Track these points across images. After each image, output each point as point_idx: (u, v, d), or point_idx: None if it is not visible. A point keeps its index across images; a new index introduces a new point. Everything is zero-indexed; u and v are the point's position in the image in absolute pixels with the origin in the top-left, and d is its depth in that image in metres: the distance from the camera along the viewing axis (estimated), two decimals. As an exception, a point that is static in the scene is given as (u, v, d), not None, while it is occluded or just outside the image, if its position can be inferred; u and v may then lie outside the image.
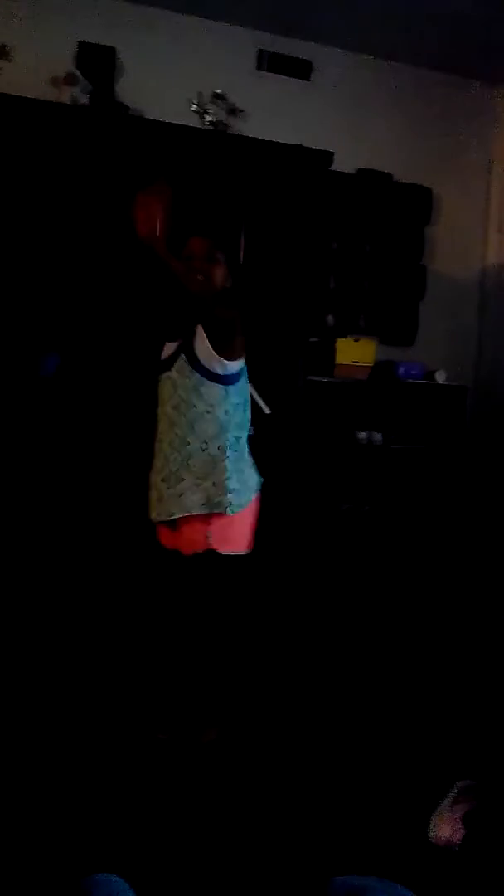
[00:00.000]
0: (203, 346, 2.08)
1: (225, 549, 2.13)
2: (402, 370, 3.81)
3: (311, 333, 3.47)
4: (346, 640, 3.07)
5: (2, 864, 1.68)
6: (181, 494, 2.10)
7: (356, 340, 3.79)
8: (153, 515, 2.17)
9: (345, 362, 3.72)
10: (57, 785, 2.00)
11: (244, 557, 2.20)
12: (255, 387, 2.36)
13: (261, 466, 2.27)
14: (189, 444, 2.11)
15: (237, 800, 2.00)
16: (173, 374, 2.11)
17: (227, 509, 2.10)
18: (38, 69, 3.33)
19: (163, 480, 2.12)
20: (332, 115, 3.90)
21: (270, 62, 3.80)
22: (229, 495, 2.12)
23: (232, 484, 2.13)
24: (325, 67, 3.90)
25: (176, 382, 2.11)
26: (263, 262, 3.30)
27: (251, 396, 2.28)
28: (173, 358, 2.12)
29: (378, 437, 3.77)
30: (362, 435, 3.74)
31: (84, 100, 3.31)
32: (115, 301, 3.09)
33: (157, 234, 1.89)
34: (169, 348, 2.16)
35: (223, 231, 3.06)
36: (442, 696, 2.63)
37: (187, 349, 2.11)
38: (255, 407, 2.34)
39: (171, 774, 2.08)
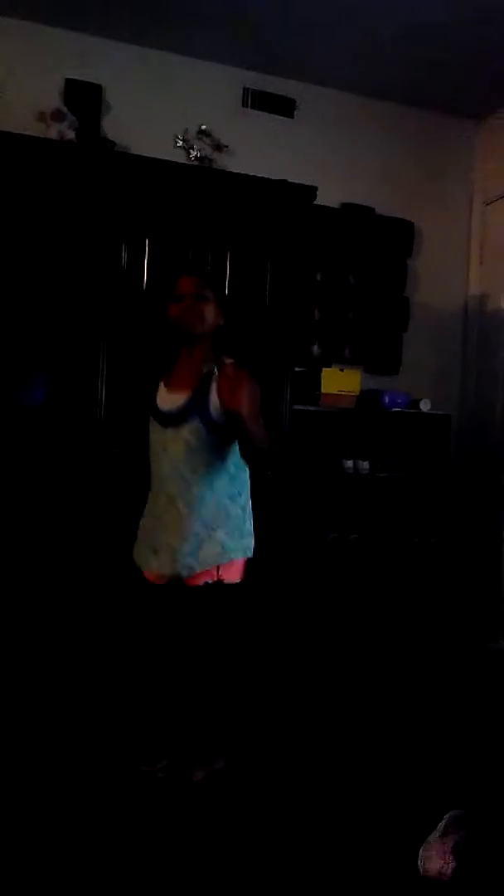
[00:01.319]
0: (216, 404, 2.05)
1: (228, 580, 2.15)
2: (387, 399, 3.84)
3: (296, 363, 3.49)
4: (335, 669, 3.05)
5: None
6: (201, 549, 2.09)
7: (341, 370, 3.83)
8: (165, 572, 2.11)
9: (330, 391, 3.75)
10: (57, 806, 1.96)
11: (237, 586, 2.21)
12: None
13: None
14: (208, 501, 2.09)
15: (228, 830, 1.97)
16: (186, 435, 2.05)
17: (248, 552, 2.19)
18: (26, 105, 3.40)
19: (183, 539, 2.06)
20: (316, 150, 3.98)
21: (255, 99, 3.89)
22: (247, 539, 2.20)
23: (249, 527, 2.21)
24: (308, 105, 4.00)
25: (191, 444, 2.05)
26: (249, 294, 3.34)
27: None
28: (183, 417, 2.06)
29: (365, 465, 3.78)
30: (348, 463, 3.75)
31: (71, 135, 3.36)
32: (100, 334, 3.11)
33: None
34: (172, 401, 2.09)
35: (211, 268, 3.11)
36: (431, 726, 2.61)
37: (201, 409, 2.06)
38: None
39: (167, 803, 2.05)
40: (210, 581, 2.11)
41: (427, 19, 3.28)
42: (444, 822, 1.91)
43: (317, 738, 2.51)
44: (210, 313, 2.13)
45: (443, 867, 1.78)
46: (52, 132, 3.34)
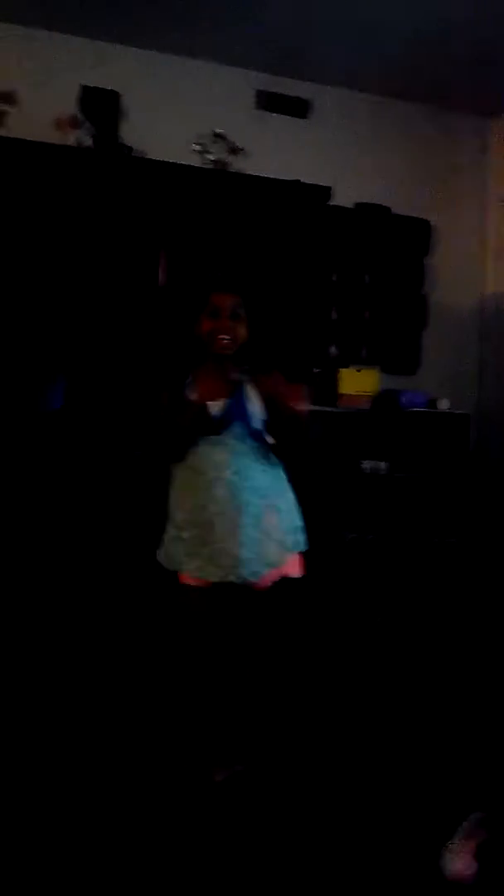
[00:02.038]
0: (255, 408, 2.10)
1: (292, 574, 2.23)
2: (404, 399, 3.84)
3: (313, 364, 3.50)
4: (352, 671, 3.06)
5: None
6: (263, 552, 2.12)
7: (359, 370, 3.83)
8: (232, 579, 2.10)
9: (348, 392, 3.75)
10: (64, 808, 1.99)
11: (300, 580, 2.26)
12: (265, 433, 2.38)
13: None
14: (258, 505, 2.11)
15: (246, 830, 1.99)
16: (231, 442, 2.08)
17: (302, 546, 2.25)
18: (43, 113, 3.43)
19: (241, 545, 2.08)
20: (330, 151, 3.99)
21: (269, 102, 3.89)
22: (299, 534, 2.24)
23: (298, 521, 2.25)
24: (323, 106, 4.00)
25: (235, 449, 2.08)
26: (266, 296, 3.35)
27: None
28: (225, 423, 2.08)
29: (383, 465, 3.78)
30: (366, 464, 3.75)
31: (88, 142, 3.39)
32: (122, 336, 3.14)
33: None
34: (210, 408, 2.09)
35: (245, 283, 3.11)
36: (453, 727, 2.61)
37: (241, 413, 2.09)
38: None
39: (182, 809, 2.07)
40: (275, 581, 2.16)
41: (440, 18, 3.27)
42: (467, 824, 1.91)
43: (337, 740, 2.52)
44: (243, 332, 2.13)
45: (466, 869, 1.78)
46: (70, 139, 3.37)
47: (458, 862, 1.78)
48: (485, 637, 3.41)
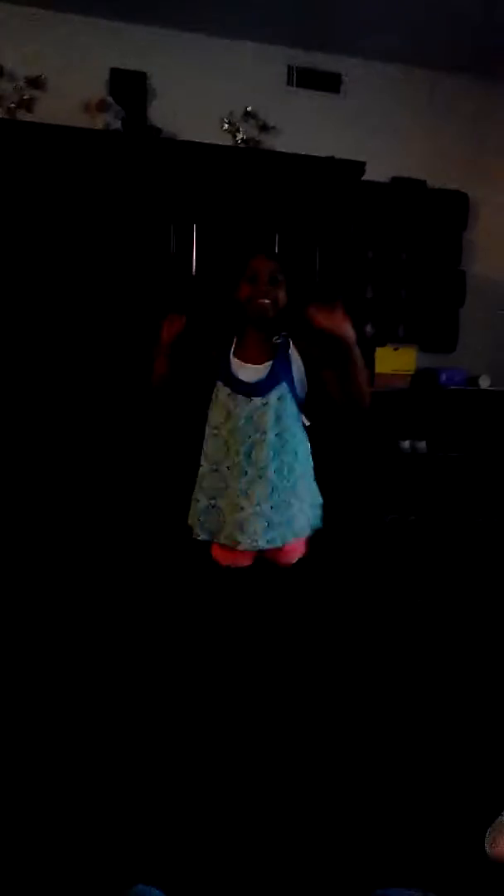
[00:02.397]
0: (300, 371, 2.15)
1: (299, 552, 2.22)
2: (444, 377, 3.76)
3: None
4: (395, 652, 3.02)
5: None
6: (292, 519, 2.14)
7: (396, 349, 3.76)
8: (259, 543, 2.10)
9: (385, 371, 3.69)
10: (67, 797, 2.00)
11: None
12: (308, 398, 2.36)
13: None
14: (295, 470, 2.14)
15: (281, 806, 1.97)
16: (275, 402, 2.09)
17: (320, 522, 2.26)
18: (71, 97, 3.43)
19: (272, 508, 2.09)
20: (363, 125, 3.90)
21: (300, 77, 3.82)
22: (320, 510, 2.27)
23: (319, 499, 2.27)
24: (354, 79, 3.91)
25: (278, 410, 2.10)
26: (300, 275, 3.30)
27: None
28: (270, 384, 2.10)
29: (422, 445, 3.71)
30: (405, 444, 3.69)
31: (117, 125, 3.37)
32: (149, 320, 3.12)
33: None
34: (254, 371, 2.12)
35: (284, 250, 3.09)
36: (499, 708, 2.56)
37: (286, 376, 2.12)
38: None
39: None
40: (301, 556, 2.19)
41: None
42: (511, 804, 1.87)
43: (384, 718, 2.49)
44: (283, 297, 2.15)
45: (511, 850, 1.75)
46: (99, 122, 3.36)
47: (503, 842, 1.74)
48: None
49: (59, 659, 2.82)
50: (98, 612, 2.99)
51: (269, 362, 2.14)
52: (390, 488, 3.64)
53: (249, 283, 2.11)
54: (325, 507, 2.29)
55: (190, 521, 2.22)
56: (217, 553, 2.19)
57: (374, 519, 3.56)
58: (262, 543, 2.10)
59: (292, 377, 2.15)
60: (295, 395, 2.15)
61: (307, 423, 2.44)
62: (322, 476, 2.31)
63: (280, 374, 2.12)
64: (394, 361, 3.73)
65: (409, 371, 3.74)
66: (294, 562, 2.20)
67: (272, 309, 2.12)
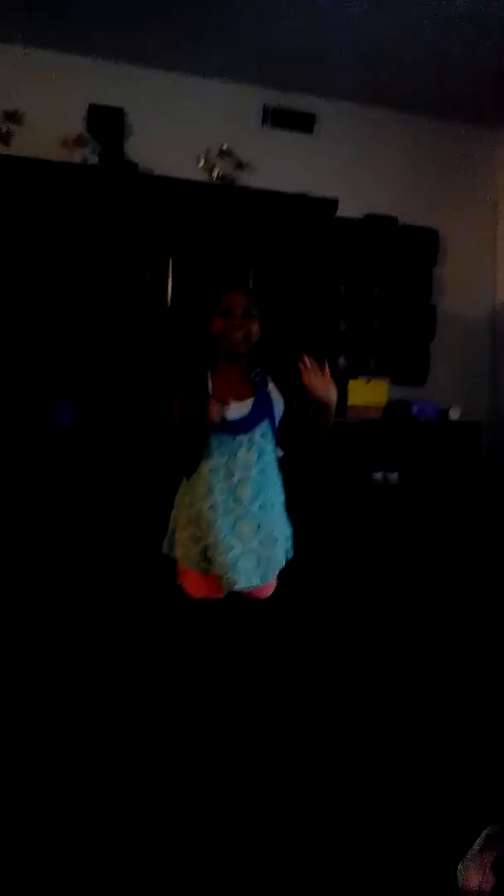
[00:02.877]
0: (279, 408, 2.18)
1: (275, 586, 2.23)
2: (415, 409, 3.82)
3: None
4: (365, 682, 3.02)
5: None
6: (277, 552, 2.16)
7: (368, 381, 3.82)
8: (254, 581, 2.10)
9: (358, 403, 3.75)
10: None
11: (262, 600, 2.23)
12: (282, 433, 2.38)
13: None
14: (275, 504, 2.17)
15: (258, 842, 1.96)
16: (258, 439, 2.11)
17: (292, 551, 2.28)
18: (49, 131, 3.47)
19: (260, 544, 2.11)
20: (336, 164, 4.00)
21: (274, 117, 3.92)
22: (291, 540, 2.28)
23: (289, 529, 2.27)
24: (328, 119, 4.02)
25: (261, 447, 2.12)
26: (274, 308, 3.35)
27: None
28: (254, 421, 2.12)
29: (394, 476, 3.76)
30: (378, 475, 3.73)
31: (94, 160, 3.43)
32: (131, 351, 3.15)
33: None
34: (236, 409, 2.11)
35: (258, 285, 3.13)
36: (468, 739, 2.57)
37: (267, 413, 2.15)
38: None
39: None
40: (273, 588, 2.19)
41: (443, 31, 3.28)
42: (482, 837, 1.88)
43: (349, 751, 2.49)
44: (256, 330, 2.18)
45: (482, 883, 1.75)
46: (77, 157, 3.41)
47: (475, 876, 1.75)
48: (500, 648, 3.36)
49: (45, 677, 2.79)
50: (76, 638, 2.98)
51: (251, 399, 2.15)
52: (362, 519, 3.68)
53: (223, 316, 2.13)
54: (298, 537, 2.31)
55: (178, 554, 2.18)
56: (191, 582, 2.16)
57: (345, 549, 3.58)
58: (255, 581, 2.10)
59: (273, 414, 2.17)
60: (274, 431, 2.17)
61: (280, 454, 2.47)
62: (295, 507, 2.33)
63: (262, 410, 2.14)
64: (366, 393, 3.79)
65: (381, 403, 3.80)
66: (269, 594, 2.21)
67: (246, 342, 2.14)
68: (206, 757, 2.24)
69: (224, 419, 2.09)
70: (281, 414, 2.20)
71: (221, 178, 3.75)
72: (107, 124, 3.57)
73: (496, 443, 4.23)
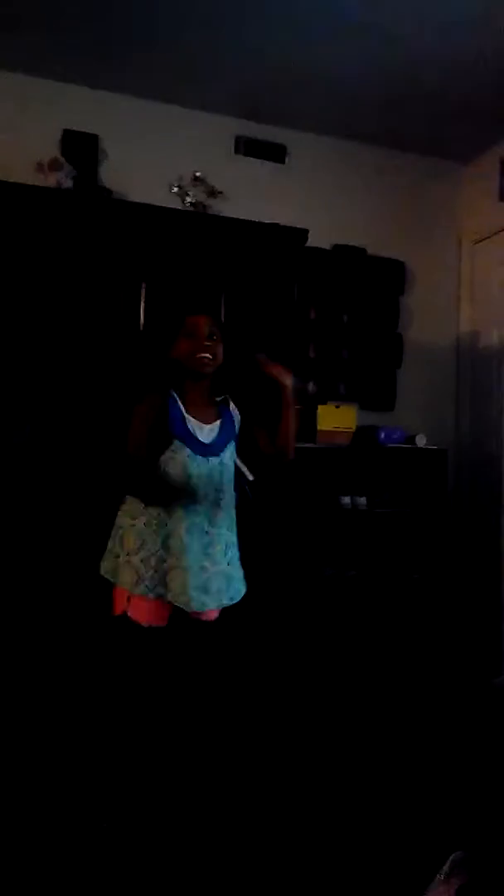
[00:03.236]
0: (237, 423, 2.24)
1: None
2: (382, 435, 3.88)
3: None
4: (335, 707, 3.03)
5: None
6: (241, 572, 2.20)
7: (337, 407, 3.87)
8: (223, 601, 2.12)
9: (326, 428, 3.79)
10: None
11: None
12: (239, 454, 2.40)
13: (245, 532, 2.30)
14: (234, 524, 2.20)
15: (230, 871, 1.94)
16: (227, 460, 2.15)
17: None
18: (24, 156, 3.48)
19: (229, 564, 2.14)
20: (307, 194, 4.08)
21: (247, 147, 4.00)
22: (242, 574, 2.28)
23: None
24: (299, 150, 4.11)
25: (228, 468, 2.16)
26: (244, 335, 3.39)
27: (235, 464, 2.33)
28: (223, 444, 2.14)
29: (362, 501, 3.80)
30: (346, 499, 3.77)
31: (68, 184, 3.44)
32: (97, 377, 3.15)
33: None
34: (208, 431, 2.14)
35: (217, 307, 3.16)
36: (434, 765, 2.59)
37: (232, 435, 2.20)
38: (238, 473, 2.38)
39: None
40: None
41: (413, 68, 3.40)
42: (448, 864, 1.89)
43: (317, 778, 2.49)
44: (220, 353, 2.20)
45: (448, 910, 1.76)
46: (51, 181, 3.42)
47: (440, 904, 1.76)
48: (468, 674, 3.40)
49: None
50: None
51: (218, 421, 2.19)
52: (330, 543, 3.71)
53: (188, 338, 2.14)
54: (267, 562, 2.33)
55: (122, 580, 2.12)
56: (138, 610, 2.12)
57: (313, 573, 3.60)
58: (225, 601, 2.12)
59: (236, 434, 2.22)
60: (236, 449, 2.23)
61: (251, 478, 2.49)
62: (263, 531, 2.36)
63: (229, 432, 2.19)
64: (335, 419, 3.84)
65: (349, 428, 3.85)
66: (216, 616, 2.22)
67: (212, 364, 2.16)
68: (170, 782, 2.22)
69: (198, 440, 2.11)
70: (238, 427, 2.25)
71: (194, 204, 3.80)
72: (81, 150, 3.60)
73: (461, 469, 4.31)
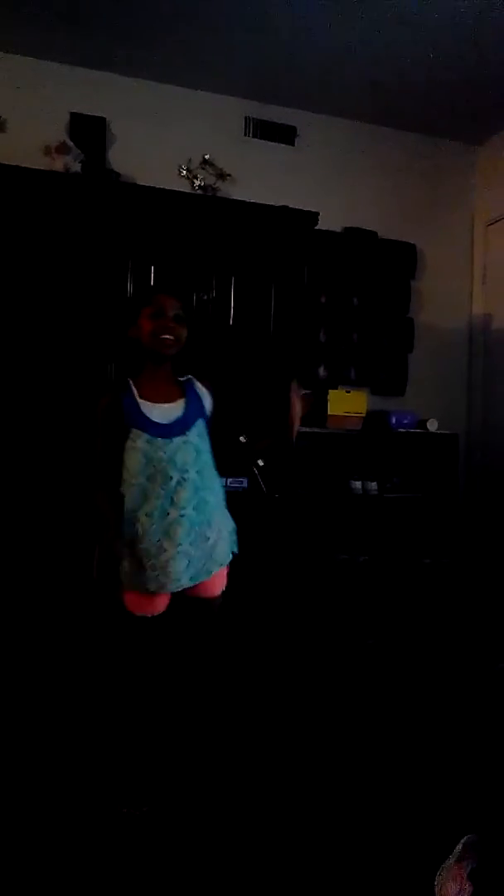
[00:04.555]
0: (208, 402, 2.18)
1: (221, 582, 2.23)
2: (394, 419, 3.85)
3: (303, 385, 3.51)
4: (345, 691, 3.03)
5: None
6: (212, 550, 2.14)
7: (347, 391, 3.85)
8: (183, 582, 2.09)
9: (337, 413, 3.77)
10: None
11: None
12: (250, 439, 2.38)
13: (256, 518, 2.29)
14: (210, 503, 2.13)
15: (236, 855, 1.95)
16: (194, 439, 2.09)
17: (236, 547, 2.27)
18: (32, 139, 3.47)
19: (191, 545, 2.08)
20: (317, 177, 4.04)
21: (256, 129, 3.96)
22: (235, 535, 2.27)
23: (232, 524, 2.26)
24: (309, 132, 4.06)
25: (198, 447, 2.10)
26: (255, 318, 3.38)
27: (244, 448, 2.32)
28: (188, 422, 2.09)
29: (373, 486, 3.78)
30: (357, 484, 3.76)
31: (76, 168, 3.42)
32: (107, 361, 3.15)
33: None
34: (168, 411, 2.09)
35: (216, 293, 3.14)
36: (444, 749, 2.59)
37: (200, 412, 2.14)
38: (250, 460, 2.37)
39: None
40: (223, 588, 2.20)
41: (426, 46, 3.34)
42: (459, 847, 1.89)
43: (328, 762, 2.49)
44: (184, 335, 2.14)
45: (459, 892, 1.76)
46: (59, 165, 3.41)
47: (452, 885, 1.76)
48: (478, 658, 3.39)
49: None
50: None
51: (182, 399, 2.13)
52: (341, 528, 3.70)
53: (153, 318, 2.09)
54: (280, 548, 2.31)
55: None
56: (132, 601, 2.11)
57: (325, 558, 3.60)
58: (185, 582, 2.09)
59: (205, 412, 2.17)
60: (209, 430, 2.17)
61: (260, 464, 2.47)
62: (275, 517, 2.34)
63: (195, 410, 2.13)
64: (346, 403, 3.81)
65: (360, 413, 3.83)
66: (218, 594, 2.20)
67: (174, 346, 2.11)
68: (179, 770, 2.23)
69: (154, 422, 2.07)
70: (211, 409, 2.19)
71: (203, 188, 3.77)
72: (89, 133, 3.57)
73: (472, 453, 4.29)
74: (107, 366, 3.14)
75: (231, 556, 2.24)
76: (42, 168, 3.27)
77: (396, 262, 4.18)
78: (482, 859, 1.82)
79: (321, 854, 2.00)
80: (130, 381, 2.13)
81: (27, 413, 3.07)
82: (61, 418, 3.08)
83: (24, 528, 3.03)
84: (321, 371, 3.99)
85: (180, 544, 2.07)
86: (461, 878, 1.78)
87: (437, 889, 1.79)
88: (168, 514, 2.06)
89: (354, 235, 4.09)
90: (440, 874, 1.82)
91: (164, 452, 2.06)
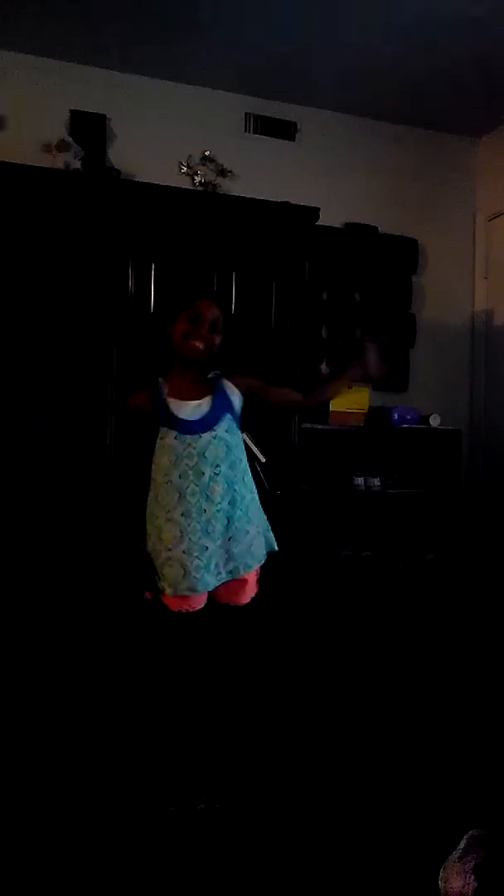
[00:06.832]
0: (237, 400, 2.18)
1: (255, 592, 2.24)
2: (396, 415, 3.84)
3: (305, 381, 3.51)
4: (347, 688, 3.03)
5: None
6: (251, 545, 2.14)
7: (349, 387, 3.83)
8: (223, 576, 2.10)
9: (339, 409, 3.76)
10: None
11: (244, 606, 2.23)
12: (252, 435, 2.38)
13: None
14: (245, 497, 2.14)
15: (241, 852, 1.95)
16: (222, 432, 2.09)
17: (275, 545, 2.27)
18: (32, 136, 3.47)
19: (230, 539, 2.09)
20: (318, 172, 4.03)
21: (257, 124, 3.95)
22: (272, 533, 2.27)
23: (267, 522, 2.26)
24: (310, 128, 4.05)
25: (228, 442, 2.10)
26: (255, 314, 3.37)
27: (246, 445, 2.31)
28: (216, 417, 2.10)
29: (375, 482, 3.78)
30: (359, 480, 3.75)
31: (77, 165, 3.42)
32: (109, 359, 3.14)
33: None
34: (195, 408, 2.10)
35: (217, 289, 3.13)
36: (451, 744, 2.59)
37: (228, 407, 2.14)
38: (251, 456, 2.36)
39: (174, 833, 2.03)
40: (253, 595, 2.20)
41: (424, 40, 3.33)
42: (464, 841, 1.89)
43: (333, 757, 2.49)
44: (217, 344, 2.16)
45: (464, 887, 1.75)
46: (59, 162, 3.40)
47: (456, 879, 1.75)
48: (482, 654, 3.39)
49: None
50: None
51: (209, 396, 2.13)
52: (344, 524, 3.69)
53: (189, 322, 2.10)
54: (280, 543, 2.29)
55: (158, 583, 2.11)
56: (171, 600, 2.12)
57: (328, 554, 3.59)
58: (224, 576, 2.10)
59: (234, 408, 2.17)
60: (238, 425, 2.17)
61: (263, 460, 2.46)
62: (277, 512, 2.33)
63: (222, 405, 2.13)
64: (348, 399, 3.80)
65: (362, 409, 3.82)
66: (248, 601, 2.21)
67: (203, 354, 2.12)
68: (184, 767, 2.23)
69: (182, 419, 2.09)
70: (241, 407, 2.19)
71: (203, 184, 3.76)
72: (89, 130, 3.57)
73: (475, 449, 4.28)
74: (106, 369, 3.14)
75: (266, 555, 2.23)
76: (42, 165, 3.26)
77: (398, 258, 4.18)
78: (487, 854, 1.82)
79: (325, 848, 2.00)
80: (160, 380, 2.16)
81: (27, 413, 3.06)
82: (61, 418, 3.08)
83: (27, 524, 3.03)
84: (323, 367, 3.98)
85: (219, 539, 2.08)
86: (466, 872, 1.77)
87: (441, 884, 1.79)
88: (204, 510, 2.07)
89: (355, 231, 4.08)
90: (444, 869, 1.81)
91: (195, 448, 2.07)
